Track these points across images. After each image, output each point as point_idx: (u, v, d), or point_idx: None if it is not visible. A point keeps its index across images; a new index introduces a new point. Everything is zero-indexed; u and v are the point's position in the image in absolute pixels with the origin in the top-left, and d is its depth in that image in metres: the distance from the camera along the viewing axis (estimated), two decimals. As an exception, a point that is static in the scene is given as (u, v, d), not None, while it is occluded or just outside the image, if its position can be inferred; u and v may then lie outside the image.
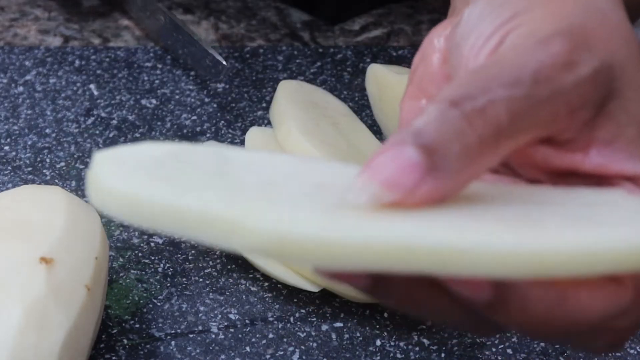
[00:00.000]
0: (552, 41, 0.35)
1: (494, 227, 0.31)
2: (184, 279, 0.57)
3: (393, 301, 0.34)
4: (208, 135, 0.66)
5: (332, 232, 0.30)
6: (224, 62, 0.66)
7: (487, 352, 0.54)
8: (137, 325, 0.54)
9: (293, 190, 0.33)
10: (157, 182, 0.31)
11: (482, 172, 0.33)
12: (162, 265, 0.57)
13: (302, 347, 0.53)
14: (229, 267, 0.58)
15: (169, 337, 0.54)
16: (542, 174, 0.37)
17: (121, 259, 0.58)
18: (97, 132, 0.66)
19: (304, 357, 0.53)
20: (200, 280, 0.57)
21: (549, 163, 0.36)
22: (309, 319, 0.55)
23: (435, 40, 0.41)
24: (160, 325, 0.54)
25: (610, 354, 0.54)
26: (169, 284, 0.56)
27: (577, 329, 0.34)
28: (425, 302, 0.34)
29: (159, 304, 0.55)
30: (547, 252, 0.30)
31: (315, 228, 0.30)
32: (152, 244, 0.59)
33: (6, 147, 0.65)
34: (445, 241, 0.30)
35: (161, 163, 0.32)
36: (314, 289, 0.55)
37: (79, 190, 0.61)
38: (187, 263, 0.58)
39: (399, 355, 0.53)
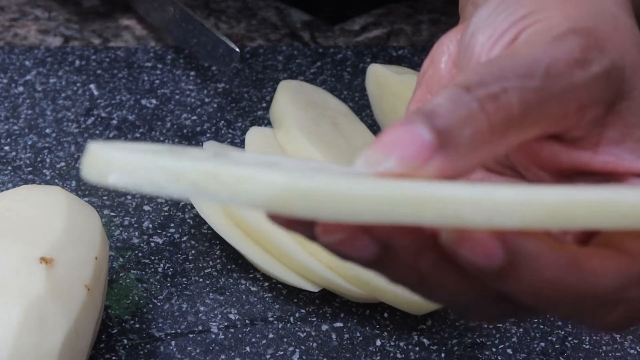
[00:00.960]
0: (566, 38, 0.35)
1: (502, 186, 0.31)
2: (184, 279, 0.57)
3: (398, 273, 0.34)
4: (208, 135, 0.66)
5: (341, 185, 0.29)
6: (237, 49, 0.66)
7: (487, 352, 0.54)
8: (137, 325, 0.54)
9: (297, 166, 0.33)
10: (159, 155, 0.30)
11: (489, 158, 0.34)
12: (162, 265, 0.57)
13: (302, 347, 0.53)
14: (229, 267, 0.58)
15: (169, 337, 0.54)
16: (547, 175, 0.38)
17: (121, 259, 0.58)
18: (97, 132, 0.66)
19: (304, 357, 0.53)
20: (200, 280, 0.57)
21: (556, 160, 0.37)
22: (309, 319, 0.55)
23: (445, 45, 0.41)
24: (160, 325, 0.54)
25: (611, 355, 0.54)
26: (169, 284, 0.56)
27: (589, 297, 0.33)
28: (432, 275, 0.33)
29: (159, 304, 0.55)
30: (561, 200, 0.30)
31: (325, 181, 0.29)
32: (152, 244, 0.59)
33: (6, 147, 0.65)
34: (456, 191, 0.30)
35: (158, 150, 0.32)
36: (314, 289, 0.55)
37: (79, 190, 0.61)
38: (187, 263, 0.58)
39: (399, 355, 0.53)
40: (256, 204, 0.29)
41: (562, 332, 0.55)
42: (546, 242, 0.32)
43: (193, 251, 0.58)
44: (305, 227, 0.33)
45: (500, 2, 0.38)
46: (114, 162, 0.30)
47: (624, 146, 0.36)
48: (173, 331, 0.54)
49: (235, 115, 0.68)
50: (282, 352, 0.53)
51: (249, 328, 0.54)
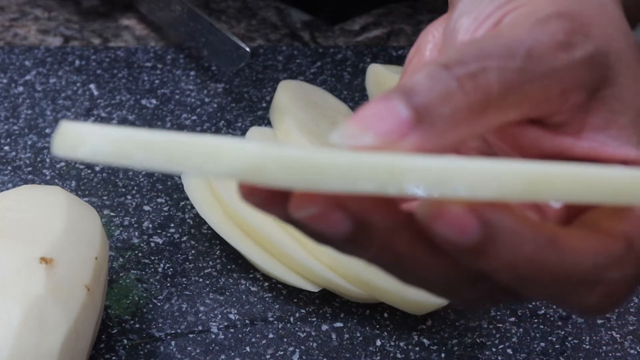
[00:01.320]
0: (550, 21, 0.35)
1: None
2: (184, 279, 0.57)
3: (373, 253, 0.33)
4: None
5: (315, 154, 0.29)
6: (247, 49, 0.66)
7: (487, 352, 0.54)
8: (137, 325, 0.54)
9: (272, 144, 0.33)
10: (131, 130, 0.30)
11: (467, 137, 0.33)
12: (162, 265, 0.57)
13: (302, 347, 0.53)
14: (229, 267, 0.58)
15: (169, 337, 0.54)
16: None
17: (121, 259, 0.58)
18: (97, 132, 0.66)
19: (304, 357, 0.53)
20: (200, 280, 0.57)
21: (538, 146, 0.36)
22: (309, 319, 0.55)
23: (431, 33, 0.41)
24: (160, 325, 0.54)
25: (611, 355, 0.54)
26: (169, 284, 0.56)
27: (568, 276, 0.33)
28: (407, 255, 0.33)
29: (159, 304, 0.55)
30: (539, 171, 0.30)
31: (299, 151, 0.29)
32: (152, 244, 0.59)
33: (6, 147, 0.65)
34: (430, 162, 0.29)
35: (132, 129, 0.31)
36: (314, 289, 0.55)
37: (79, 190, 0.61)
38: (187, 263, 0.58)
39: (399, 355, 0.53)
40: (229, 172, 0.29)
41: (562, 332, 0.55)
42: (524, 219, 0.32)
43: (193, 251, 0.58)
44: (278, 204, 0.32)
45: None
46: (85, 136, 0.30)
47: (607, 132, 0.36)
48: (173, 331, 0.54)
49: (235, 115, 0.68)
50: (282, 352, 0.53)
51: (249, 328, 0.54)
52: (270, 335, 0.54)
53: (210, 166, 0.29)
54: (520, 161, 0.31)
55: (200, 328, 0.54)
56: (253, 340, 0.54)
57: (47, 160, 0.64)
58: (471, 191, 0.30)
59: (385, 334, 0.54)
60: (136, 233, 0.59)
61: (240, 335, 0.54)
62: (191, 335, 0.54)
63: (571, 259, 0.32)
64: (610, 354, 0.54)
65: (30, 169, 0.63)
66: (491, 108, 0.33)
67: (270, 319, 0.55)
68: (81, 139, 0.30)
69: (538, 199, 0.31)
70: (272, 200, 0.32)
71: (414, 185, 0.29)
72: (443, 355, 0.53)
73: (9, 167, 0.63)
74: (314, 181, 0.29)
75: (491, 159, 0.31)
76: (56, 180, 0.62)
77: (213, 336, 0.54)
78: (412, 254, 0.33)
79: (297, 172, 0.29)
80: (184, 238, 0.59)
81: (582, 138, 0.36)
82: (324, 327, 0.55)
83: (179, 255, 0.58)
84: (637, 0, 0.51)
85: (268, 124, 0.67)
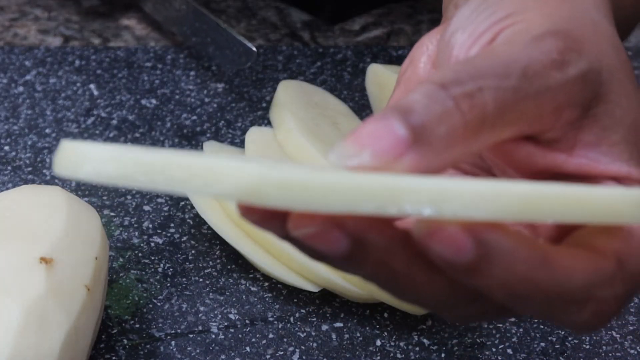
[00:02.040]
0: (544, 39, 0.35)
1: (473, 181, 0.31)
2: (184, 279, 0.57)
3: (370, 270, 0.33)
4: (208, 135, 0.66)
5: (314, 175, 0.30)
6: (254, 49, 0.66)
7: (487, 352, 0.54)
8: (137, 325, 0.54)
9: (272, 162, 0.33)
10: (132, 150, 0.30)
11: (463, 156, 0.34)
12: (162, 265, 0.58)
13: (302, 347, 0.53)
14: (229, 267, 0.58)
15: (169, 337, 0.54)
16: (522, 178, 0.38)
17: (121, 259, 0.58)
18: (97, 132, 0.66)
19: (304, 357, 0.53)
20: (200, 280, 0.57)
21: (531, 162, 0.37)
22: (309, 319, 0.55)
23: (425, 45, 0.41)
24: (160, 325, 0.54)
25: (611, 355, 0.54)
26: (169, 284, 0.56)
27: (559, 294, 0.33)
28: (403, 272, 0.33)
29: (159, 304, 0.55)
30: (533, 192, 0.30)
31: (297, 172, 0.30)
32: (152, 244, 0.59)
33: (6, 147, 0.65)
34: (427, 183, 0.30)
35: (132, 148, 0.32)
36: (314, 289, 0.55)
37: (79, 190, 0.61)
38: (187, 263, 0.58)
39: (399, 355, 0.53)
40: (229, 194, 0.29)
41: (562, 332, 0.55)
42: (518, 238, 0.32)
43: (193, 251, 0.58)
44: (277, 222, 0.33)
45: (481, 3, 0.38)
46: (86, 155, 0.30)
47: (599, 149, 0.36)
48: (173, 331, 0.54)
49: (235, 115, 0.68)
50: (282, 352, 0.53)
51: (249, 328, 0.54)
52: (270, 335, 0.54)
53: (211, 188, 0.29)
54: (516, 182, 0.31)
55: (200, 328, 0.54)
56: (253, 340, 0.54)
57: (47, 160, 0.64)
58: (468, 212, 0.30)
59: (385, 334, 0.54)
60: (136, 233, 0.59)
61: (240, 335, 0.54)
62: (191, 335, 0.54)
63: (562, 279, 0.33)
64: (610, 354, 0.54)
65: (30, 169, 0.63)
66: (487, 127, 0.33)
67: (270, 319, 0.55)
68: (82, 160, 0.30)
69: (533, 219, 0.31)
70: (271, 218, 0.33)
71: (412, 205, 0.30)
72: (443, 355, 0.53)
73: (9, 167, 0.63)
74: (313, 203, 0.29)
75: (487, 180, 0.32)
76: (56, 180, 0.62)
77: (213, 336, 0.54)
78: (407, 271, 0.33)
79: (296, 194, 0.29)
80: (184, 238, 0.59)
81: (575, 155, 0.36)
82: (324, 327, 0.55)
83: (179, 255, 0.58)
84: (628, 13, 0.51)
85: (268, 124, 0.67)
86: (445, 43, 0.38)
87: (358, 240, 0.32)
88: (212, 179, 0.29)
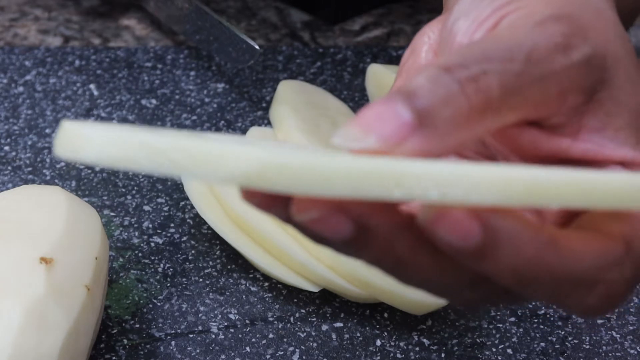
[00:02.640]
0: (549, 24, 0.35)
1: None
2: (184, 279, 0.57)
3: (374, 255, 0.33)
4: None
5: (318, 159, 0.29)
6: (257, 47, 0.66)
7: (487, 352, 0.54)
8: (137, 325, 0.54)
9: (275, 145, 0.33)
10: (135, 131, 0.30)
11: (467, 140, 0.34)
12: (162, 265, 0.58)
13: (302, 347, 0.53)
14: (229, 267, 0.58)
15: (169, 337, 0.54)
16: (527, 163, 0.38)
17: (121, 259, 0.58)
18: (97, 132, 0.66)
19: (304, 357, 0.53)
20: (200, 280, 0.57)
21: (536, 147, 0.37)
22: (309, 319, 0.55)
23: (427, 35, 0.41)
24: (160, 325, 0.54)
25: (611, 355, 0.54)
26: (169, 284, 0.56)
27: (567, 277, 0.33)
28: (408, 257, 0.33)
29: (159, 304, 0.55)
30: (541, 176, 0.30)
31: (302, 156, 0.29)
32: (152, 244, 0.59)
33: (6, 147, 0.65)
34: (433, 167, 0.30)
35: (134, 129, 0.31)
36: (314, 289, 0.55)
37: (79, 190, 0.61)
38: (187, 263, 0.58)
39: (399, 355, 0.53)
40: (233, 178, 0.29)
41: (562, 332, 0.55)
42: (525, 221, 0.32)
43: (193, 251, 0.58)
44: (280, 206, 0.32)
45: None
46: (87, 138, 0.29)
47: (604, 134, 0.36)
48: (173, 331, 0.54)
49: (235, 115, 0.68)
50: (282, 352, 0.53)
51: (249, 328, 0.54)
52: (270, 335, 0.54)
53: (214, 173, 0.29)
54: (522, 167, 0.31)
55: (200, 328, 0.54)
56: (253, 340, 0.54)
57: (47, 160, 0.64)
58: (474, 197, 0.30)
59: (385, 334, 0.54)
60: (136, 233, 0.59)
61: (240, 335, 0.54)
62: (191, 335, 0.54)
63: (571, 261, 0.33)
64: (610, 354, 0.54)
65: (30, 169, 0.63)
66: (491, 111, 0.33)
67: (270, 319, 0.55)
68: (84, 141, 0.29)
69: (540, 204, 0.31)
70: (274, 202, 0.32)
71: (418, 190, 0.29)
72: (443, 355, 0.53)
73: (9, 167, 0.63)
74: (317, 187, 0.29)
75: (493, 164, 0.32)
76: (56, 180, 0.62)
77: (213, 336, 0.54)
78: (412, 256, 0.33)
79: (301, 179, 0.29)
80: (184, 238, 0.59)
81: (580, 139, 0.36)
82: (324, 327, 0.55)
83: (179, 255, 0.58)
84: (631, 7, 0.51)
85: (268, 124, 0.67)
86: (448, 31, 0.38)
87: (362, 225, 0.32)
88: (216, 163, 0.29)
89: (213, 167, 0.29)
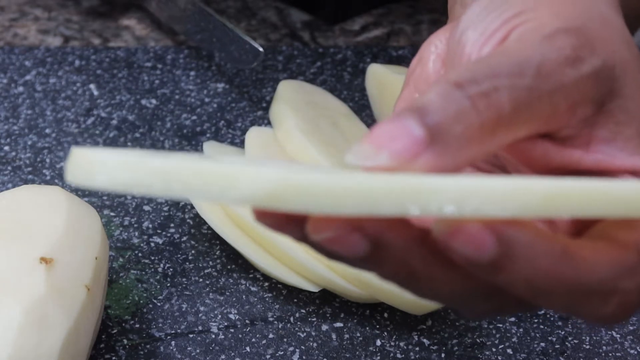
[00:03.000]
0: (557, 37, 0.35)
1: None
2: (184, 279, 0.57)
3: (389, 270, 0.34)
4: (208, 135, 0.66)
5: (333, 177, 0.29)
6: (260, 49, 0.66)
7: (487, 352, 0.54)
8: (137, 325, 0.54)
9: (287, 165, 0.33)
10: (146, 156, 0.30)
11: (479, 156, 0.34)
12: (162, 265, 0.58)
13: (302, 347, 0.53)
14: (229, 267, 0.58)
15: (169, 337, 0.54)
16: (539, 174, 0.38)
17: (121, 259, 0.58)
18: (97, 132, 0.66)
19: (304, 357, 0.53)
20: (200, 280, 0.57)
21: (547, 159, 0.37)
22: (309, 319, 0.55)
23: (434, 44, 0.41)
24: (160, 325, 0.54)
25: (611, 355, 0.54)
26: (169, 284, 0.56)
27: (582, 288, 0.33)
28: (423, 271, 0.33)
29: (159, 304, 0.55)
30: (554, 187, 0.31)
31: (316, 175, 0.29)
32: (152, 244, 0.59)
33: (6, 147, 0.65)
34: (446, 182, 0.30)
35: (144, 154, 0.31)
36: (314, 289, 0.55)
37: (79, 190, 0.61)
38: (187, 263, 0.58)
39: (399, 355, 0.53)
40: (248, 199, 0.29)
41: (562, 332, 0.55)
42: (539, 233, 0.32)
43: (193, 251, 0.58)
44: (294, 225, 0.33)
45: (490, 1, 0.38)
46: (101, 163, 0.29)
47: (615, 144, 0.36)
48: (173, 331, 0.54)
49: (235, 115, 0.68)
50: (282, 352, 0.53)
51: (249, 328, 0.54)
52: (270, 335, 0.54)
53: (228, 194, 0.29)
54: (535, 178, 0.31)
55: (200, 328, 0.54)
56: (253, 340, 0.54)
57: (47, 160, 0.64)
58: (488, 210, 0.30)
59: (385, 334, 0.54)
60: (136, 233, 0.59)
61: (240, 335, 0.54)
62: (191, 335, 0.54)
63: (585, 272, 0.33)
64: (610, 354, 0.54)
65: (30, 169, 0.63)
66: (503, 126, 0.34)
67: (270, 319, 0.55)
68: (96, 168, 0.29)
69: (555, 214, 0.31)
70: (288, 222, 0.33)
71: (433, 205, 0.30)
72: (443, 355, 0.53)
73: (9, 167, 0.63)
74: (333, 206, 0.29)
75: (507, 177, 0.32)
76: (56, 180, 0.62)
77: (213, 336, 0.54)
78: (427, 269, 0.33)
79: (315, 198, 0.29)
80: (184, 238, 0.59)
81: (590, 150, 0.37)
82: (324, 327, 0.55)
83: (179, 255, 0.58)
84: (637, 11, 0.51)
85: (268, 124, 0.67)
86: (456, 42, 0.38)
87: (377, 241, 0.32)
88: (229, 185, 0.29)
89: (227, 189, 0.29)
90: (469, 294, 0.34)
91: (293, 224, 0.33)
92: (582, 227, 0.37)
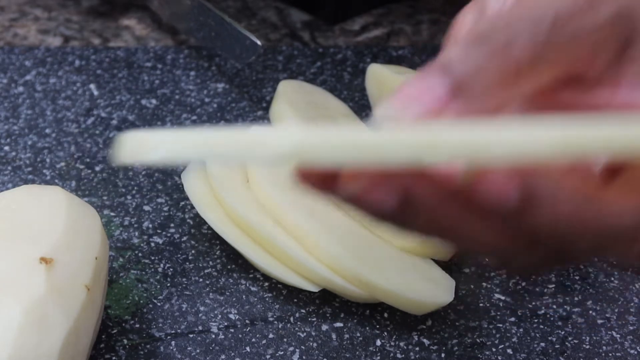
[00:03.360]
0: None
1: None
2: (184, 279, 0.57)
3: (421, 223, 0.35)
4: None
5: (364, 131, 0.32)
6: (259, 42, 0.67)
7: (487, 352, 0.54)
8: (137, 325, 0.54)
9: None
10: (185, 132, 0.33)
11: (504, 102, 0.36)
12: (162, 265, 0.57)
13: (302, 347, 0.53)
14: (229, 267, 0.58)
15: (169, 337, 0.54)
16: None
17: (121, 259, 0.58)
18: (97, 132, 0.66)
19: (304, 357, 0.53)
20: (200, 280, 0.57)
21: (576, 103, 0.38)
22: (309, 319, 0.55)
23: (462, 20, 0.43)
24: (160, 325, 0.54)
25: (611, 355, 0.54)
26: (169, 284, 0.56)
27: (608, 230, 0.34)
28: (455, 222, 0.35)
29: (159, 304, 0.55)
30: (577, 132, 0.32)
31: (347, 130, 0.32)
32: (152, 244, 0.59)
33: (6, 147, 0.65)
34: (473, 130, 0.32)
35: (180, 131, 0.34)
36: (314, 289, 0.55)
37: (79, 190, 0.61)
38: (187, 263, 0.58)
39: (399, 355, 0.53)
40: (284, 155, 0.31)
41: (562, 332, 0.55)
42: (562, 180, 0.34)
43: (193, 251, 0.58)
44: (329, 185, 0.35)
45: None
46: (158, 141, 0.32)
47: (639, 87, 0.37)
48: (173, 331, 0.54)
49: (235, 115, 0.68)
50: (282, 352, 0.53)
51: (249, 328, 0.54)
52: (270, 335, 0.54)
53: (272, 151, 0.32)
54: (553, 120, 0.33)
55: (200, 328, 0.54)
56: (253, 340, 0.54)
57: (47, 160, 0.64)
58: (513, 156, 0.32)
59: (385, 334, 0.54)
60: (136, 233, 0.59)
61: (240, 335, 0.54)
62: (191, 335, 0.54)
63: (610, 216, 0.34)
64: (610, 354, 0.54)
65: (30, 169, 0.63)
66: (523, 73, 0.35)
67: (270, 319, 0.55)
68: (153, 144, 0.32)
69: (579, 157, 0.32)
70: (324, 182, 0.35)
71: (457, 156, 0.32)
72: (443, 355, 0.53)
73: (9, 167, 0.63)
74: (364, 159, 0.31)
75: (531, 123, 0.33)
76: (56, 180, 0.62)
77: (213, 336, 0.54)
78: (461, 219, 0.35)
79: (348, 152, 0.31)
80: (184, 238, 0.59)
81: (617, 93, 0.38)
82: (324, 327, 0.55)
83: (179, 255, 0.58)
84: None
85: (268, 123, 0.67)
86: (481, 7, 0.40)
87: (406, 194, 0.34)
88: (273, 143, 0.31)
89: (271, 146, 0.32)
90: (508, 245, 0.36)
91: (328, 184, 0.35)
92: (609, 179, 0.38)
